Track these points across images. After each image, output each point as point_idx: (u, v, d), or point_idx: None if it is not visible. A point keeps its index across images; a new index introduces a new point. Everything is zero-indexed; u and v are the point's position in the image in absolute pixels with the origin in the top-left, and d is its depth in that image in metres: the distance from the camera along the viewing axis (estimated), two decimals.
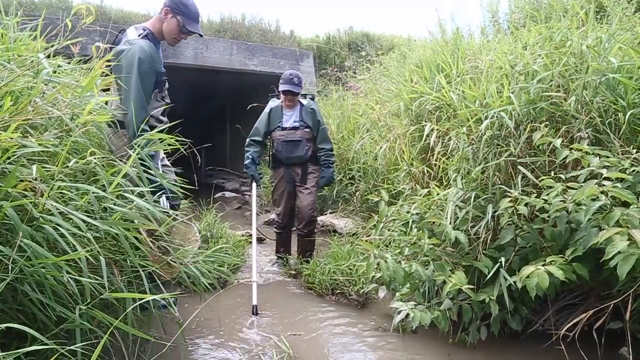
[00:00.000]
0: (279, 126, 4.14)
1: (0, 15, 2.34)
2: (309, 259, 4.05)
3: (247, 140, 4.24)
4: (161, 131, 2.41)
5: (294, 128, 4.13)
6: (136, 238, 1.96)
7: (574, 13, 3.15)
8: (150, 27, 2.89)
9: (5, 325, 1.32)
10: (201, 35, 3.03)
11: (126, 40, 2.77)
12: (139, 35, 2.78)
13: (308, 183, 4.19)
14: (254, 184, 4.23)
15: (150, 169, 2.26)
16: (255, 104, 5.52)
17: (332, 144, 4.35)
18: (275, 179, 4.30)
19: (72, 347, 1.44)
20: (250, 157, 4.16)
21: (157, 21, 2.92)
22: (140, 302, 1.77)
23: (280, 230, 4.38)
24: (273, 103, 4.24)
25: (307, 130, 4.14)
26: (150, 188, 2.14)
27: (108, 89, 2.77)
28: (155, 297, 1.60)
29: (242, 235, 5.04)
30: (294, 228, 4.43)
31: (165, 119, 2.96)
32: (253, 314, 3.19)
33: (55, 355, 1.33)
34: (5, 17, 2.37)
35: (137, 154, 2.11)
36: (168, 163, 3.13)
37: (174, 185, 2.72)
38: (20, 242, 1.47)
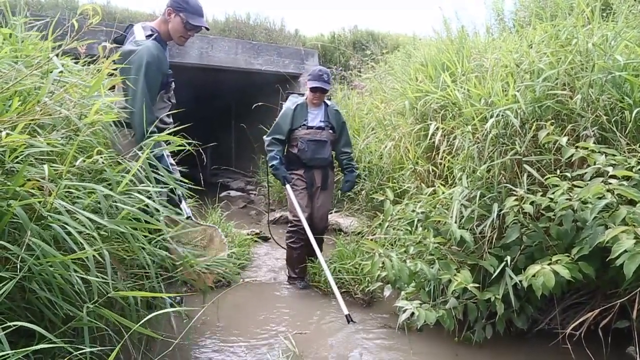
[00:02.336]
0: (303, 124, 3.83)
1: (8, 16, 2.36)
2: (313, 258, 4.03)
3: (268, 138, 3.87)
4: (168, 133, 2.42)
5: (320, 128, 3.86)
6: (145, 236, 1.97)
7: (580, 11, 3.13)
8: (156, 28, 2.89)
9: (14, 323, 1.33)
10: (207, 29, 2.97)
11: (133, 40, 2.77)
12: (146, 36, 2.78)
13: (328, 189, 3.98)
14: (288, 186, 3.81)
15: (159, 170, 2.27)
16: (260, 103, 5.54)
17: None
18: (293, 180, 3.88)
19: (83, 350, 1.44)
20: (278, 157, 3.81)
21: (162, 22, 2.92)
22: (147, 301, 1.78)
23: (301, 244, 3.79)
24: (297, 100, 3.93)
25: (330, 131, 3.91)
26: (160, 189, 2.15)
27: (113, 87, 2.78)
28: (161, 295, 1.61)
29: (248, 234, 5.05)
30: None
31: (169, 120, 2.96)
32: (348, 322, 2.99)
33: (65, 356, 1.34)
34: (13, 17, 2.39)
35: (146, 155, 2.12)
36: (173, 162, 3.14)
37: (180, 185, 2.73)
38: (28, 241, 1.48)
